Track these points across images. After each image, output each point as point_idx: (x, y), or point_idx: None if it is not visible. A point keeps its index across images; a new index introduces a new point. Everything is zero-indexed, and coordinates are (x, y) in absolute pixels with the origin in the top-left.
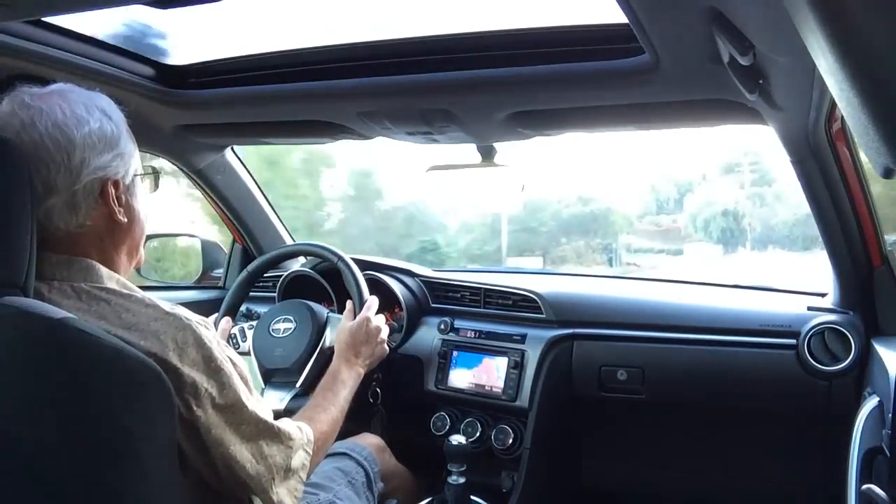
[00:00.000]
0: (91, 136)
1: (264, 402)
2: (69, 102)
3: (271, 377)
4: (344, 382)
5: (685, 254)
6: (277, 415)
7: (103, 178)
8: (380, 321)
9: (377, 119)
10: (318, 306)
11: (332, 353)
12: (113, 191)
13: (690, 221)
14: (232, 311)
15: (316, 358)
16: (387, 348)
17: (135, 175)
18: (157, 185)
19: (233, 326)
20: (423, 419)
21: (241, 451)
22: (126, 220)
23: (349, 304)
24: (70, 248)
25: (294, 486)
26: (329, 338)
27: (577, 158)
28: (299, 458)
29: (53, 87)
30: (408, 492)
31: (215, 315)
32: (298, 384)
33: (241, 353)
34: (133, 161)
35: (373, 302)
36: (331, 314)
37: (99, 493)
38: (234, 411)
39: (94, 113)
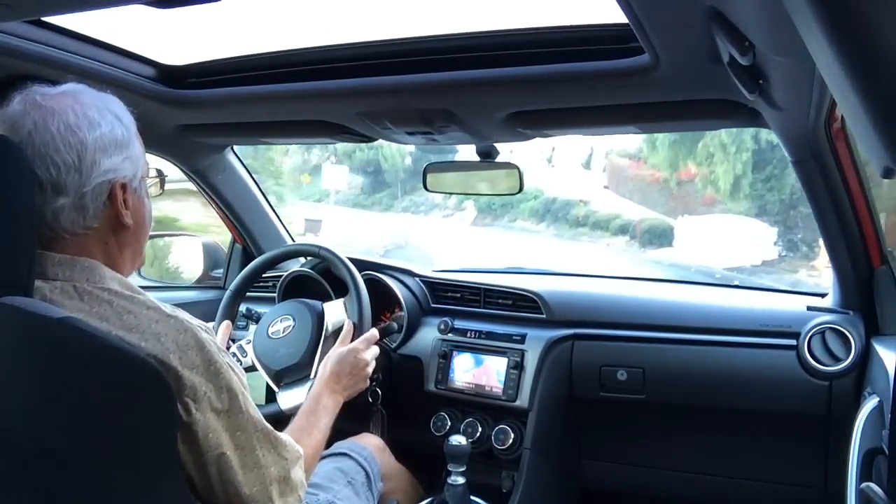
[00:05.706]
0: (102, 140)
1: (284, 402)
2: (81, 105)
3: (282, 378)
4: (326, 408)
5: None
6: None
7: (112, 181)
8: (370, 355)
9: (377, 119)
10: (311, 300)
11: (338, 336)
12: (121, 193)
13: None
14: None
15: (323, 345)
16: (368, 382)
17: (142, 178)
18: (162, 188)
19: (230, 345)
20: (424, 419)
21: (237, 458)
22: (132, 222)
23: (347, 323)
24: (75, 248)
25: None
26: (331, 323)
27: None
28: (298, 474)
29: (65, 87)
30: (408, 492)
31: (213, 323)
32: (312, 374)
33: (246, 369)
34: (141, 163)
35: (371, 336)
36: (325, 303)
37: (99, 493)
38: (231, 416)
39: (106, 116)
